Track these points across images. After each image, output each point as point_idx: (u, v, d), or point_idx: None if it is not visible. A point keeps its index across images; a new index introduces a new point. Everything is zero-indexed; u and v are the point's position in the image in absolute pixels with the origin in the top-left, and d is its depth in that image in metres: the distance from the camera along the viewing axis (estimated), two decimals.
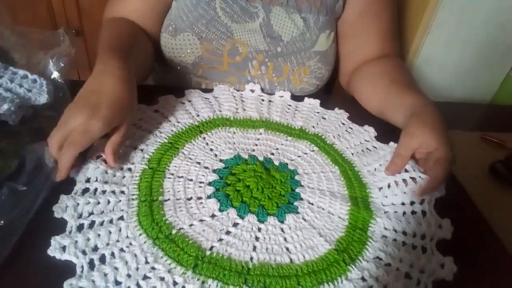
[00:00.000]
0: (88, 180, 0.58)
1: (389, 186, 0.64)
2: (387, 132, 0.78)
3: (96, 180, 0.58)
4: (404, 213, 0.60)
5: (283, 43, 0.83)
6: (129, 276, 0.47)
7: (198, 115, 0.76)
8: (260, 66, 0.86)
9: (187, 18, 0.80)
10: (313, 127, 0.78)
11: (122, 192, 0.58)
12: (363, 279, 0.51)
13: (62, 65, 0.69)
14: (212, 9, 0.80)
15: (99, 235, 0.51)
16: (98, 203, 0.55)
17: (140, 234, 0.52)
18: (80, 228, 0.52)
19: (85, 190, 0.57)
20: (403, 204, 0.61)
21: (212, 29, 0.81)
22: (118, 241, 0.51)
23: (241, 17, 0.81)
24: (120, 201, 0.56)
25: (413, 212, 0.60)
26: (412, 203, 0.61)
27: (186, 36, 0.82)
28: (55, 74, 0.68)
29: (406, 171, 0.65)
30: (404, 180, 0.64)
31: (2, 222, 0.49)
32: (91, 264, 0.48)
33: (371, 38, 0.87)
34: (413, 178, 0.63)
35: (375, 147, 0.74)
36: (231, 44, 0.83)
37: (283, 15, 0.81)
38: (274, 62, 0.85)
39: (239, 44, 0.83)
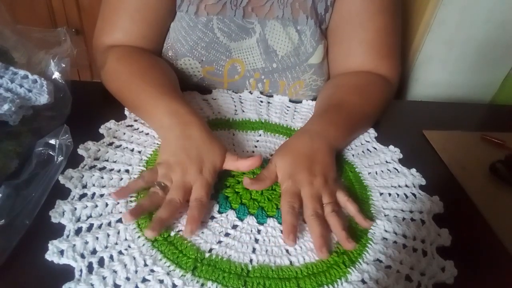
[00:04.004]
0: (84, 186, 0.58)
1: (389, 195, 0.64)
2: (388, 132, 0.78)
3: (94, 185, 0.58)
4: (403, 218, 0.60)
5: (277, 58, 0.83)
6: (128, 279, 0.47)
7: None
8: (257, 84, 0.86)
9: (186, 42, 0.80)
10: None
11: None
12: (363, 281, 0.50)
13: (64, 65, 0.69)
14: (210, 31, 0.79)
15: (97, 238, 0.51)
16: (96, 206, 0.55)
17: (139, 237, 0.52)
18: (78, 231, 0.52)
19: (82, 196, 0.57)
20: (402, 210, 0.61)
21: (212, 51, 0.81)
22: (116, 243, 0.51)
23: (239, 34, 0.80)
24: (118, 203, 0.56)
25: (412, 219, 0.60)
26: (411, 211, 0.61)
27: (187, 61, 0.82)
28: (56, 75, 0.68)
29: (407, 186, 0.66)
30: (405, 194, 0.64)
31: (3, 221, 0.49)
32: (90, 268, 0.47)
33: (353, 47, 0.82)
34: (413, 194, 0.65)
35: (376, 148, 0.74)
36: (230, 64, 0.83)
37: (278, 29, 0.80)
38: (270, 79, 0.85)
39: (237, 63, 0.83)
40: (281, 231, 0.56)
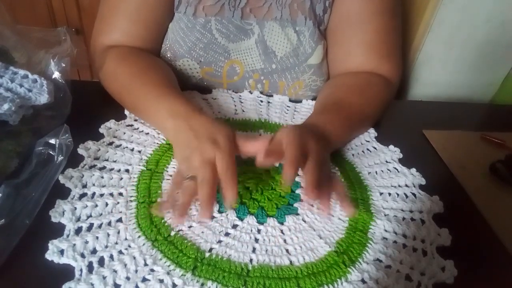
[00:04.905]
0: (84, 186, 0.58)
1: (389, 194, 0.64)
2: (388, 132, 0.78)
3: (94, 185, 0.58)
4: (403, 218, 0.60)
5: (276, 59, 0.82)
6: (128, 278, 0.47)
7: None
8: (257, 84, 0.86)
9: (184, 43, 0.80)
10: None
11: (120, 194, 0.58)
12: (363, 281, 0.50)
13: (64, 65, 0.69)
14: (208, 32, 0.79)
15: (97, 237, 0.51)
16: (96, 205, 0.55)
17: (139, 236, 0.52)
18: (78, 231, 0.52)
19: (82, 195, 0.57)
20: (402, 210, 0.61)
21: (210, 52, 0.81)
22: (116, 243, 0.51)
23: (237, 35, 0.80)
24: (118, 203, 0.56)
25: (412, 219, 0.60)
26: (411, 211, 0.61)
27: (185, 62, 0.82)
28: (56, 75, 0.68)
29: (407, 185, 0.66)
30: (405, 194, 0.64)
31: (3, 221, 0.49)
32: (90, 267, 0.48)
33: (352, 48, 0.82)
34: (413, 194, 0.65)
35: (376, 148, 0.74)
36: (229, 65, 0.83)
37: (277, 30, 0.80)
38: (269, 79, 0.85)
39: (236, 64, 0.83)
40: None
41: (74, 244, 0.49)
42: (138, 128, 0.71)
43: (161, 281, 0.48)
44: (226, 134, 0.58)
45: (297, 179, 0.64)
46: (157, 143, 0.68)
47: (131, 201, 0.57)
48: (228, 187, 0.53)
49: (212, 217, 0.57)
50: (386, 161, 0.71)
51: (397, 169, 0.69)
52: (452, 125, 0.86)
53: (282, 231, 0.56)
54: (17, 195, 0.52)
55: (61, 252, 0.49)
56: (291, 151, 0.55)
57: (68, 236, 0.51)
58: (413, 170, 0.69)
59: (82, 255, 0.49)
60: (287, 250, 0.54)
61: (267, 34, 0.81)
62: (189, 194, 0.54)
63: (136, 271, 0.48)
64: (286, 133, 0.58)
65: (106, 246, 0.50)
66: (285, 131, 0.59)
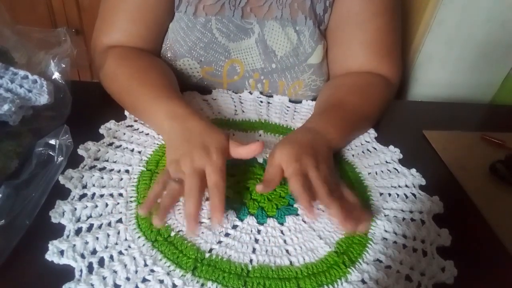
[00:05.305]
0: (84, 187, 0.58)
1: (389, 195, 0.64)
2: (388, 133, 0.78)
3: (94, 186, 0.58)
4: (403, 218, 0.60)
5: (276, 58, 0.83)
6: (128, 279, 0.47)
7: None
8: (257, 84, 0.86)
9: (185, 43, 0.80)
10: None
11: (120, 194, 0.58)
12: (363, 281, 0.50)
13: (64, 66, 0.69)
14: (209, 31, 0.79)
15: (97, 238, 0.51)
16: (96, 206, 0.55)
17: (139, 237, 0.52)
18: (78, 231, 0.52)
19: (82, 196, 0.57)
20: (402, 211, 0.61)
21: (210, 51, 0.81)
22: (116, 244, 0.51)
23: (237, 35, 0.80)
24: (118, 203, 0.56)
25: (412, 220, 0.60)
26: (411, 211, 0.61)
27: (186, 61, 0.82)
28: (56, 75, 0.68)
29: (407, 186, 0.65)
30: (405, 194, 0.64)
31: (3, 221, 0.49)
32: (90, 268, 0.48)
33: (352, 48, 0.82)
34: (413, 194, 0.65)
35: (375, 149, 0.74)
36: (229, 65, 0.83)
37: (277, 30, 0.80)
38: (269, 79, 0.85)
39: (236, 64, 0.83)
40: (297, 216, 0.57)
41: (74, 245, 0.50)
42: (138, 129, 0.71)
43: (161, 281, 0.48)
44: (219, 144, 0.59)
45: None
46: (157, 144, 0.68)
47: (131, 201, 0.57)
48: (214, 208, 0.53)
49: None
50: (386, 162, 0.71)
51: (397, 170, 0.69)
52: (452, 125, 0.86)
53: (282, 232, 0.56)
54: (17, 195, 0.52)
55: (61, 252, 0.49)
56: (297, 182, 0.56)
57: (68, 236, 0.51)
58: (413, 170, 0.69)
59: (82, 256, 0.49)
60: (287, 251, 0.54)
61: (267, 33, 0.81)
62: (172, 197, 0.54)
63: (136, 271, 0.48)
64: (284, 157, 0.59)
65: (106, 247, 0.51)
66: (282, 154, 0.59)
